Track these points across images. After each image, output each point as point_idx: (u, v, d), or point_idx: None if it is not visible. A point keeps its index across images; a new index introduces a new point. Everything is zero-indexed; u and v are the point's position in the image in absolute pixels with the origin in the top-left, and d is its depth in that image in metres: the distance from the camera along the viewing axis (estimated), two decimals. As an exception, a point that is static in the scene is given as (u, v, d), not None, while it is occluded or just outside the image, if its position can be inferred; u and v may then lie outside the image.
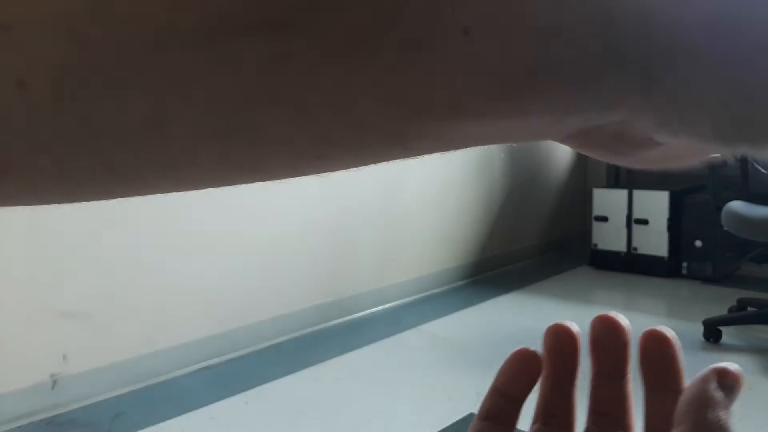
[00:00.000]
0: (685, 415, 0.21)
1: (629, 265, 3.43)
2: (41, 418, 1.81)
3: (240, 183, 0.15)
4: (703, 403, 0.21)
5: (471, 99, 0.13)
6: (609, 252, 3.50)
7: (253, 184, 0.15)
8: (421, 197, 3.04)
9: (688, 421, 0.21)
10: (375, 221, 2.86)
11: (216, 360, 2.22)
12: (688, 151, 0.18)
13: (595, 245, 3.55)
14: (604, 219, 3.50)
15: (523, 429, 0.26)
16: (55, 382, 1.87)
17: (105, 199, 0.14)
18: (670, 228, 3.30)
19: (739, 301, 2.65)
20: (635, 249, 3.41)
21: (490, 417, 0.25)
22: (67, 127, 0.12)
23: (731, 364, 0.21)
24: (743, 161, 2.49)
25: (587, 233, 3.62)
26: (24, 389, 1.81)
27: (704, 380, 0.21)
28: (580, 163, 4.12)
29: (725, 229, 2.38)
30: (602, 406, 0.25)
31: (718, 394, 0.21)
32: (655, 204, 3.34)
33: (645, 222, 3.37)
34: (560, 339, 0.25)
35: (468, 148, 0.16)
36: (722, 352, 2.32)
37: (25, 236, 1.85)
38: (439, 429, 1.76)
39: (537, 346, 0.25)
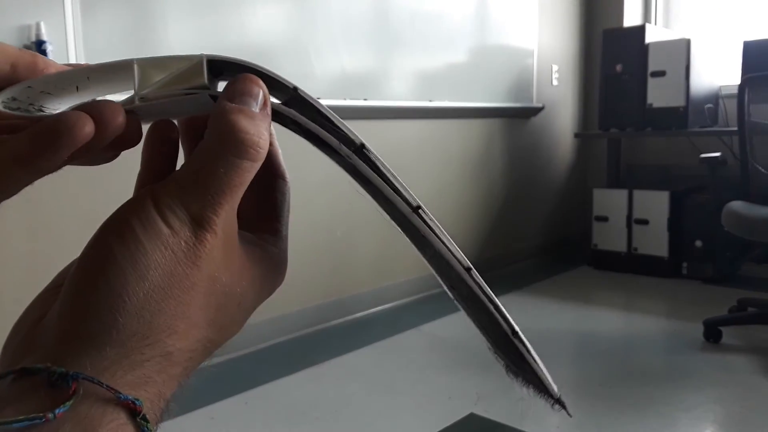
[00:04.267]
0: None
1: (629, 265, 3.42)
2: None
3: None
4: (214, 115, 0.26)
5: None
6: (609, 252, 3.50)
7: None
8: (421, 197, 3.02)
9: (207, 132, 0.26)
10: (375, 221, 2.86)
11: (216, 360, 2.20)
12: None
13: (595, 245, 3.55)
14: (605, 219, 3.49)
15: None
16: (54, 383, 1.86)
17: None
18: (670, 228, 3.30)
19: (740, 301, 2.65)
20: (635, 249, 3.41)
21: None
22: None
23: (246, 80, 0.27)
24: (743, 161, 2.49)
25: (587, 233, 3.62)
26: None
27: (219, 99, 0.26)
28: (581, 163, 4.12)
29: (725, 229, 2.37)
30: None
31: (223, 104, 0.26)
32: (656, 204, 3.34)
33: (645, 222, 3.36)
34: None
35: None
36: (723, 352, 2.32)
37: (25, 236, 1.85)
38: (439, 429, 1.76)
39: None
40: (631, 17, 3.89)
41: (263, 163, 0.29)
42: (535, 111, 3.66)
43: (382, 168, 0.28)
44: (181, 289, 0.24)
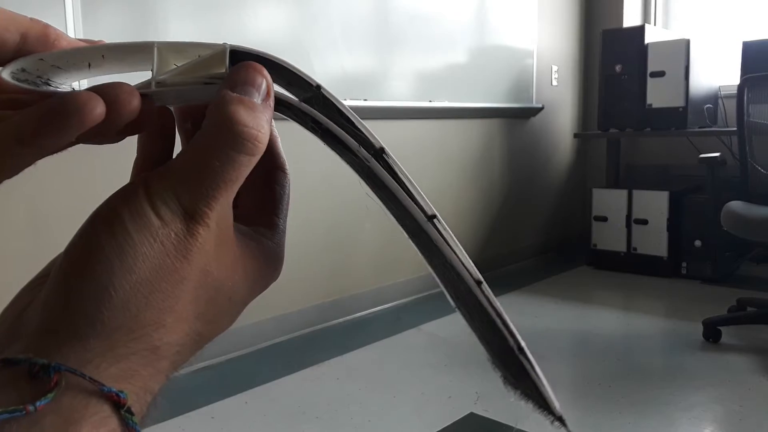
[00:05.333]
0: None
1: (629, 265, 3.42)
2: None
3: None
4: (213, 104, 0.25)
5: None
6: (608, 252, 3.50)
7: None
8: (421, 197, 3.04)
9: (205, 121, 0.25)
10: (375, 220, 2.86)
11: (216, 360, 2.22)
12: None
13: (595, 245, 3.55)
14: (604, 219, 3.50)
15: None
16: (54, 382, 1.86)
17: None
18: (669, 228, 3.30)
19: (739, 301, 2.65)
20: (635, 249, 3.41)
21: None
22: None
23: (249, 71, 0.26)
24: (743, 161, 2.49)
25: (587, 233, 3.62)
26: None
27: (220, 87, 0.26)
28: (580, 163, 4.12)
29: (725, 229, 2.38)
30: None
31: (223, 93, 0.25)
32: (655, 204, 3.34)
33: (645, 222, 3.36)
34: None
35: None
36: (722, 352, 2.32)
37: (25, 236, 1.85)
38: (438, 429, 1.76)
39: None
40: (630, 17, 3.90)
41: (263, 153, 0.28)
42: (535, 111, 3.66)
43: (399, 174, 0.27)
44: (169, 283, 0.24)
